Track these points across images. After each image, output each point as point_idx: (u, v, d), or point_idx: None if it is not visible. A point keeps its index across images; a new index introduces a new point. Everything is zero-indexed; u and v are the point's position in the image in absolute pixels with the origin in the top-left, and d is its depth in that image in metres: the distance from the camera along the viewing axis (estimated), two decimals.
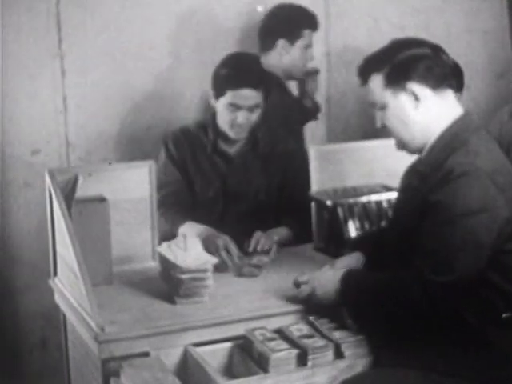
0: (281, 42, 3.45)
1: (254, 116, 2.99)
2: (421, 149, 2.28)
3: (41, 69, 3.32)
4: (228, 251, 2.71)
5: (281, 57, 3.46)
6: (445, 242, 2.11)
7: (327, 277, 2.34)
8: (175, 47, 3.49)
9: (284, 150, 3.12)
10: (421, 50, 2.26)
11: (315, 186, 2.95)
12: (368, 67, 2.29)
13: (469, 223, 2.10)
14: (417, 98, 2.23)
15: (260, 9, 3.55)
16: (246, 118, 2.97)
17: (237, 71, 2.98)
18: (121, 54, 3.40)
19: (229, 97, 2.96)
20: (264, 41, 3.50)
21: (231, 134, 3.02)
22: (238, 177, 3.08)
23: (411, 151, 2.31)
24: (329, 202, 2.83)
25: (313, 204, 2.91)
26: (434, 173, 2.20)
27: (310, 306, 2.37)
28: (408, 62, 2.23)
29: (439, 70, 2.24)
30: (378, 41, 3.10)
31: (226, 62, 3.02)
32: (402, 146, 2.31)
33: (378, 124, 2.31)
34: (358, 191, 2.93)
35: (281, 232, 2.94)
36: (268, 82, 3.02)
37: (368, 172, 2.99)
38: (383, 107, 2.27)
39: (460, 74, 2.29)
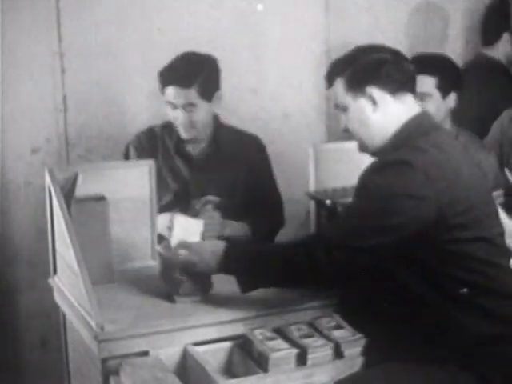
0: (505, 36, 3.69)
1: (196, 115, 3.00)
2: (380, 150, 2.34)
3: (41, 67, 3.32)
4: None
5: (504, 48, 3.69)
6: (358, 215, 2.22)
7: (207, 251, 2.37)
8: (175, 45, 3.49)
9: (247, 152, 3.13)
10: (382, 54, 2.32)
11: (314, 185, 2.95)
12: (332, 71, 2.37)
13: (387, 204, 2.18)
14: (375, 102, 2.29)
15: (260, 7, 3.55)
16: (186, 118, 2.99)
17: (168, 69, 3.00)
18: (121, 53, 3.40)
19: (165, 94, 2.99)
20: (488, 35, 3.73)
21: (181, 133, 3.05)
22: (199, 178, 3.08)
23: (371, 153, 2.36)
24: (328, 202, 2.83)
25: (312, 203, 2.91)
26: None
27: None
28: (369, 66, 2.30)
29: (399, 75, 2.30)
30: (378, 40, 3.12)
31: (170, 61, 3.05)
32: (363, 148, 2.37)
33: (342, 126, 2.38)
34: None
35: (235, 226, 2.94)
36: (207, 82, 3.02)
37: None
38: (345, 110, 2.34)
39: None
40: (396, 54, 2.34)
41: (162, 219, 2.77)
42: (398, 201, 2.17)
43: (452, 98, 3.20)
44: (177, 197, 3.08)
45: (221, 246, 2.36)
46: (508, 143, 3.49)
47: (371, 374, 2.22)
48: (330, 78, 2.37)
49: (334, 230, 2.28)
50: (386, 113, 2.30)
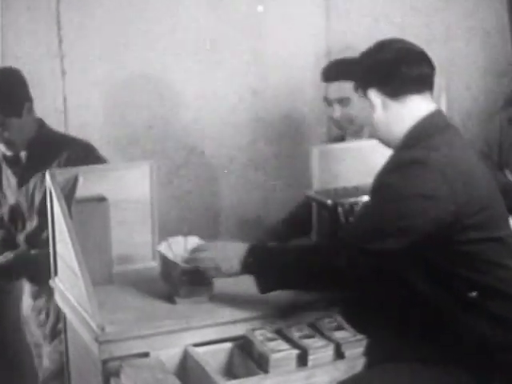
0: None
1: (8, 134, 2.96)
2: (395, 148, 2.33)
3: (41, 69, 3.32)
4: None
5: None
6: (375, 217, 2.20)
7: (231, 249, 2.35)
8: (175, 46, 3.49)
9: (68, 153, 3.01)
10: (385, 55, 2.29)
11: (316, 185, 2.94)
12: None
13: (403, 205, 2.16)
14: (372, 105, 2.29)
15: (260, 8, 3.55)
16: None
17: None
18: (121, 54, 3.40)
19: None
20: None
21: (4, 151, 3.03)
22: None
23: (389, 147, 2.36)
24: (329, 202, 2.83)
25: (313, 204, 2.91)
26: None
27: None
28: (370, 69, 2.31)
29: (399, 78, 2.27)
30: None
31: None
32: (380, 141, 2.38)
33: None
34: (358, 191, 2.92)
35: None
36: (8, 102, 2.95)
37: (369, 171, 2.97)
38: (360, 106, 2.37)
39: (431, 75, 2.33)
40: (403, 54, 2.29)
41: None
42: (414, 202, 2.15)
43: None
44: (12, 208, 3.08)
45: (243, 246, 2.34)
46: (508, 144, 3.48)
47: (374, 374, 2.21)
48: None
49: (351, 233, 2.26)
50: (388, 114, 2.30)
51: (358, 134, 3.24)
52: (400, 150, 2.28)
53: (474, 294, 2.17)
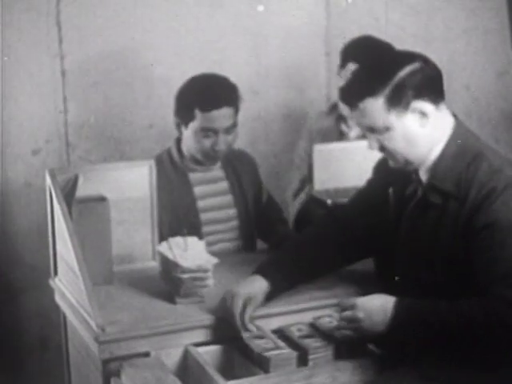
0: None
1: None
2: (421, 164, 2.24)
3: (41, 68, 3.33)
4: None
5: None
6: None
7: (375, 307, 2.18)
8: (175, 47, 3.49)
9: None
10: (415, 64, 2.16)
11: (316, 185, 2.95)
12: (358, 92, 2.18)
13: None
14: (424, 115, 2.16)
15: (261, 8, 3.55)
16: None
17: None
18: (121, 54, 3.40)
19: None
20: None
21: None
22: None
23: (413, 168, 2.24)
24: (329, 202, 2.83)
25: (313, 203, 2.91)
26: (463, 191, 2.15)
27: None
28: (408, 80, 2.14)
29: (435, 82, 2.19)
30: None
31: None
32: (404, 164, 2.23)
33: (373, 147, 2.22)
34: None
35: None
36: None
37: (369, 171, 2.98)
38: (386, 130, 2.17)
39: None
40: (425, 60, 2.19)
41: None
42: None
43: None
44: None
45: (390, 303, 2.16)
46: None
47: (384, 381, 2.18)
48: (355, 100, 2.17)
49: (503, 289, 2.06)
50: (433, 124, 2.17)
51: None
52: (451, 165, 2.18)
53: None
